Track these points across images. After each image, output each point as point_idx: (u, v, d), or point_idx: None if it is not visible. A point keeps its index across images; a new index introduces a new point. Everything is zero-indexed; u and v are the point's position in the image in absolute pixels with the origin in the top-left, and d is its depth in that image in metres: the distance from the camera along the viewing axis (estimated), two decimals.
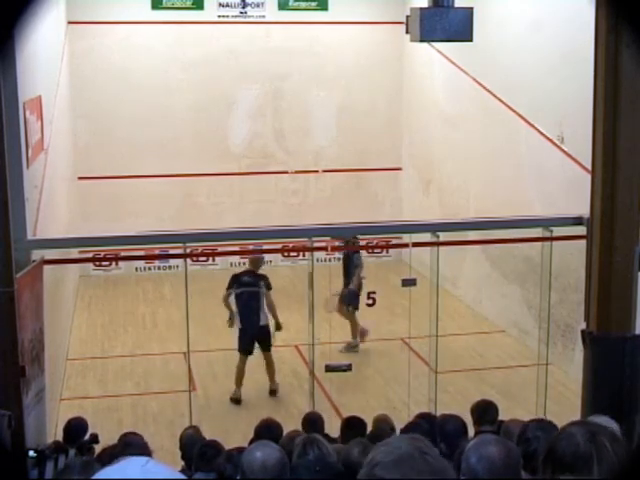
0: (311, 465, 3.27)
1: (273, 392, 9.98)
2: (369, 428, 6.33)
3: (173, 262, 14.03)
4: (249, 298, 9.78)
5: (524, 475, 3.38)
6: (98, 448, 6.31)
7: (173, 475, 3.11)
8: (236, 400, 9.78)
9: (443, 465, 2.15)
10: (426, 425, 5.86)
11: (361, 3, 15.17)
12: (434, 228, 8.25)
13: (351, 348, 11.00)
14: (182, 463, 6.02)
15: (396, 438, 2.28)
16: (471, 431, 5.82)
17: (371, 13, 15.20)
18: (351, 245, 10.51)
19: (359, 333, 11.04)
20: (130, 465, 2.86)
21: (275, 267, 15.15)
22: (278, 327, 9.89)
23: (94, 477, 2.97)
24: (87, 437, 6.40)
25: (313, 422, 6.45)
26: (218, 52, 14.76)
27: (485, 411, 6.02)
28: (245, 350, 9.84)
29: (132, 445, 5.52)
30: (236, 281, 9.83)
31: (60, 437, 6.57)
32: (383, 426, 6.32)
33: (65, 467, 3.99)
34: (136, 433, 6.04)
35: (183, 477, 3.21)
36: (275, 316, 9.88)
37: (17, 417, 6.06)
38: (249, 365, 9.98)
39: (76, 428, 6.45)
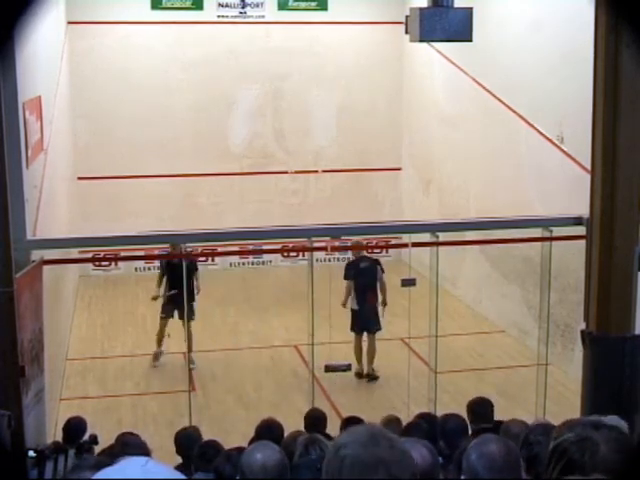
0: (312, 464, 3.26)
1: (371, 378, 10.23)
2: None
3: None
4: (366, 281, 10.22)
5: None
6: (97, 449, 6.30)
7: (173, 475, 3.11)
8: (359, 374, 10.18)
9: (404, 448, 2.27)
10: (426, 425, 5.85)
11: (361, 3, 15.17)
12: (434, 228, 8.25)
13: (156, 358, 10.78)
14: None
15: (354, 427, 2.44)
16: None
17: (371, 13, 15.19)
18: (179, 253, 9.99)
19: (154, 355, 10.81)
20: (130, 465, 2.87)
21: (275, 267, 15.17)
22: (384, 302, 10.33)
23: (94, 477, 2.97)
24: (86, 438, 6.39)
25: (316, 419, 6.45)
26: (218, 52, 14.76)
27: (481, 408, 6.02)
28: (360, 330, 10.28)
29: (130, 445, 5.51)
30: (353, 267, 10.29)
31: (60, 437, 6.56)
32: (390, 427, 6.28)
33: (78, 464, 3.98)
34: (133, 433, 6.02)
35: (182, 477, 3.21)
36: (385, 295, 10.35)
37: (17, 417, 6.05)
38: (251, 367, 9.95)
39: (75, 427, 6.44)
